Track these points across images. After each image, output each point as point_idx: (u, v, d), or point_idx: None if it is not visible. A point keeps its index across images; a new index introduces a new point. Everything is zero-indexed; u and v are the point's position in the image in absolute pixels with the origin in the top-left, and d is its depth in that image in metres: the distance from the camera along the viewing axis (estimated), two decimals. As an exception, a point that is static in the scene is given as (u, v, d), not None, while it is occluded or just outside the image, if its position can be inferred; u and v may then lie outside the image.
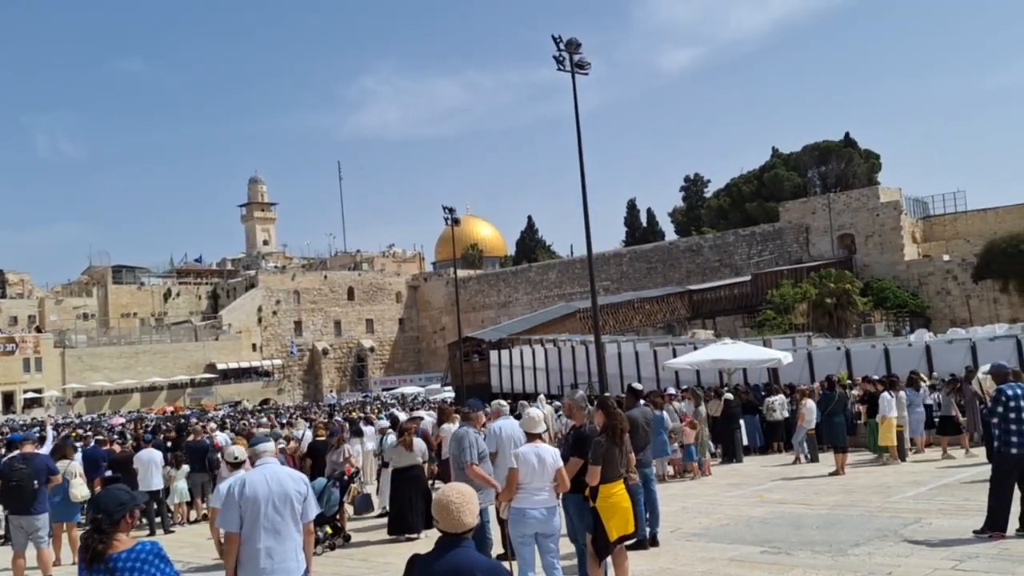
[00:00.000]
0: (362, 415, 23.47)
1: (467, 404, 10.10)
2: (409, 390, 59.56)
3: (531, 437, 6.72)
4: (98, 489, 11.96)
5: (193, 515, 14.74)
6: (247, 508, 5.24)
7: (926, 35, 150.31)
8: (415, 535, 10.79)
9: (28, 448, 10.03)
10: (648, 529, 9.18)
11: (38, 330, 67.89)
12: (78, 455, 13.18)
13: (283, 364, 74.32)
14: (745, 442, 18.65)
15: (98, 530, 3.95)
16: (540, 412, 7.06)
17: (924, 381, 18.60)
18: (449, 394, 44.60)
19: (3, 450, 16.31)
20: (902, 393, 15.65)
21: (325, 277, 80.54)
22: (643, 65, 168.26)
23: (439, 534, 3.26)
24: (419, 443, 11.68)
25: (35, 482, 9.22)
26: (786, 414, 18.54)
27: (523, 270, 77.59)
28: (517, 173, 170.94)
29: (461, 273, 65.07)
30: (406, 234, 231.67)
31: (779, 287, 48.11)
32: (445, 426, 13.57)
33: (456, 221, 43.36)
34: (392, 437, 12.25)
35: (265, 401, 65.38)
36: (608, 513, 6.32)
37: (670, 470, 15.47)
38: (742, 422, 18.44)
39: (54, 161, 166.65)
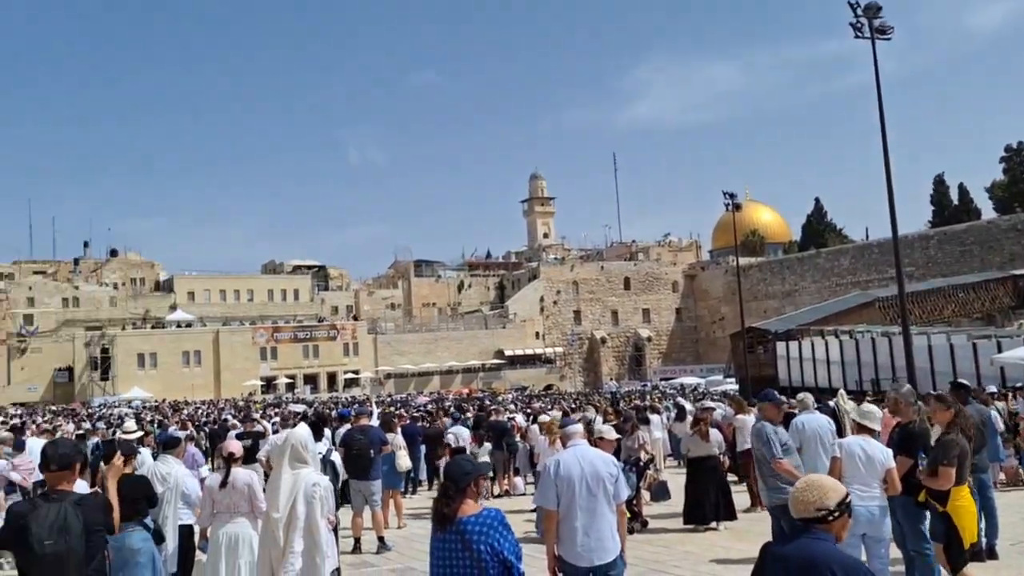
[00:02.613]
0: (647, 404, 23.57)
1: (761, 396, 9.66)
2: (689, 381, 58.73)
3: (861, 430, 6.25)
4: (445, 459, 13.33)
5: (496, 490, 15.68)
6: (563, 487, 5.41)
7: None
8: (713, 526, 10.57)
9: (363, 421, 11.33)
10: (984, 540, 8.16)
11: (355, 319, 76.67)
12: (398, 429, 14.66)
13: (564, 352, 76.97)
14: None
15: (445, 495, 4.30)
16: (876, 408, 6.56)
17: None
18: (732, 386, 43.27)
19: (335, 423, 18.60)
20: None
21: (602, 268, 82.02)
22: (949, 26, 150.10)
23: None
24: (715, 434, 11.44)
25: (371, 451, 10.37)
26: None
27: (811, 256, 73.00)
28: (801, 154, 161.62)
29: (742, 261, 62.70)
30: (682, 223, 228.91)
31: None
32: (740, 417, 13.21)
33: (737, 207, 41.89)
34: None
35: (548, 387, 68.19)
36: (963, 519, 5.69)
37: (1002, 476, 13.66)
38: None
39: (364, 169, 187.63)
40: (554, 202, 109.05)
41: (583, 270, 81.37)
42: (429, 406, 32.06)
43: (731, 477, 12.76)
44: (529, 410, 21.76)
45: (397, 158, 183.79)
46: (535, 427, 14.50)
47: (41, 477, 5.02)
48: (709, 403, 18.82)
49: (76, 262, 79.16)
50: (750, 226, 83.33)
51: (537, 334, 76.91)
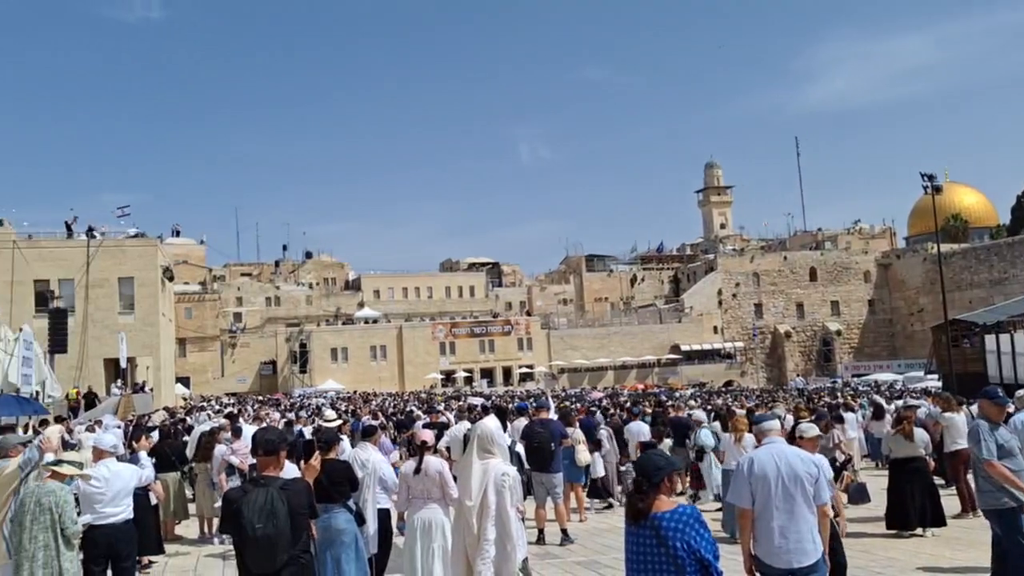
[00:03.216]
0: (841, 401, 22.25)
1: (981, 393, 8.83)
2: (884, 377, 54.93)
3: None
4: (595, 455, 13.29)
5: (679, 487, 15.37)
6: (757, 485, 5.20)
7: None
8: (919, 532, 9.80)
9: (543, 415, 11.44)
10: None
11: (528, 314, 77.99)
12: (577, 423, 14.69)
13: (745, 347, 74.29)
14: None
15: (639, 491, 4.22)
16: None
17: None
18: (934, 383, 39.95)
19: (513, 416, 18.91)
20: None
21: (785, 258, 78.36)
22: None
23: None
24: (921, 433, 10.58)
25: (552, 444, 10.45)
26: None
27: (1022, 241, 66.07)
28: (1008, 130, 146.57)
29: (943, 248, 57.77)
30: (873, 208, 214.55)
31: None
32: (948, 415, 12.14)
33: (937, 189, 38.54)
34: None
35: (728, 383, 66.07)
36: None
37: None
38: None
39: (535, 166, 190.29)
40: (731, 191, 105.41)
41: (764, 261, 78.11)
42: (604, 401, 32.02)
43: (937, 480, 11.77)
44: (709, 407, 21.19)
45: (567, 154, 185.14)
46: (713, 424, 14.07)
47: (254, 461, 5.48)
48: (912, 401, 17.45)
49: (276, 264, 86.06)
50: (951, 210, 76.72)
51: (715, 328, 74.73)
